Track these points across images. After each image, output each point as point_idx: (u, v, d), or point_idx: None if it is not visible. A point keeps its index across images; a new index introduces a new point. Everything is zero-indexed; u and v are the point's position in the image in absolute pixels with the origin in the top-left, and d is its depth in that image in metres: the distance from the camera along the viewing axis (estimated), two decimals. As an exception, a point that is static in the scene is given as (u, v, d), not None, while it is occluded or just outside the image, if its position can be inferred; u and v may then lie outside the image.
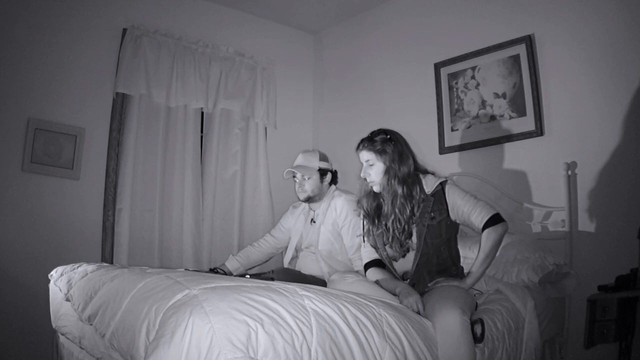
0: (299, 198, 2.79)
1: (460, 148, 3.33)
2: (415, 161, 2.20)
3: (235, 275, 2.62)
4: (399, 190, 2.11)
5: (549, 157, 2.92)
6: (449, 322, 1.79)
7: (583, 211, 2.76)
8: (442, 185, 2.15)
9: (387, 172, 2.13)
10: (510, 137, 3.09)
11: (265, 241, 2.99)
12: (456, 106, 3.40)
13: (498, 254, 2.37)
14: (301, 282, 2.04)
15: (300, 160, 2.78)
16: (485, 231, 2.06)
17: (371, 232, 2.23)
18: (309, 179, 2.71)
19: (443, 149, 3.41)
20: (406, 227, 2.12)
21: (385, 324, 1.69)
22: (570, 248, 2.71)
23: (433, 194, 2.13)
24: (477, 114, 3.28)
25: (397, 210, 2.11)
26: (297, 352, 1.42)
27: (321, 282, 2.51)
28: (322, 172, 2.75)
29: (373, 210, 2.22)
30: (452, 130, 3.40)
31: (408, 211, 2.11)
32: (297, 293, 1.59)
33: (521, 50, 3.06)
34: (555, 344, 2.53)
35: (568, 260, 2.65)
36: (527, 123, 3.02)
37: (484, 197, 2.98)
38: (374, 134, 2.20)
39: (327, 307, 1.58)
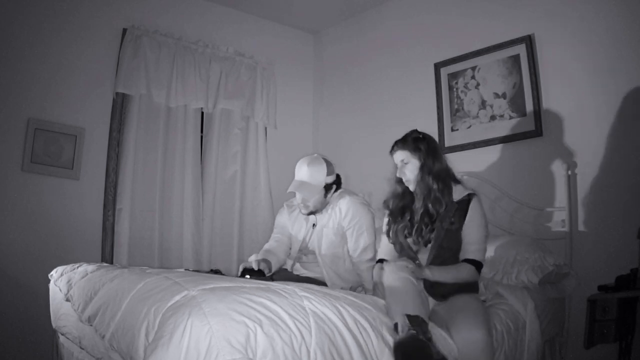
0: (301, 212, 2.60)
1: (461, 148, 3.32)
2: (447, 164, 2.21)
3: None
4: (434, 186, 2.11)
5: (548, 157, 2.92)
6: (475, 338, 1.81)
7: (583, 211, 2.76)
8: (470, 197, 2.14)
9: (421, 168, 2.14)
10: (510, 137, 3.08)
11: (278, 244, 2.70)
12: (456, 106, 3.39)
13: (496, 253, 2.51)
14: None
15: (304, 174, 2.50)
16: (464, 263, 2.07)
17: (393, 227, 2.23)
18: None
19: (443, 149, 3.39)
20: (434, 220, 2.11)
21: (384, 327, 1.69)
22: (570, 248, 2.71)
23: (458, 202, 2.13)
24: (477, 114, 3.28)
25: (429, 205, 2.10)
26: (295, 354, 1.42)
27: (321, 284, 2.48)
28: (327, 187, 2.54)
29: (398, 210, 2.23)
30: (452, 130, 3.40)
31: (442, 207, 2.10)
32: (297, 294, 1.59)
33: (521, 50, 3.06)
34: (556, 344, 2.53)
35: (568, 261, 2.65)
36: (527, 123, 3.01)
37: (484, 197, 2.98)
38: (406, 134, 2.22)
39: (326, 309, 1.58)
